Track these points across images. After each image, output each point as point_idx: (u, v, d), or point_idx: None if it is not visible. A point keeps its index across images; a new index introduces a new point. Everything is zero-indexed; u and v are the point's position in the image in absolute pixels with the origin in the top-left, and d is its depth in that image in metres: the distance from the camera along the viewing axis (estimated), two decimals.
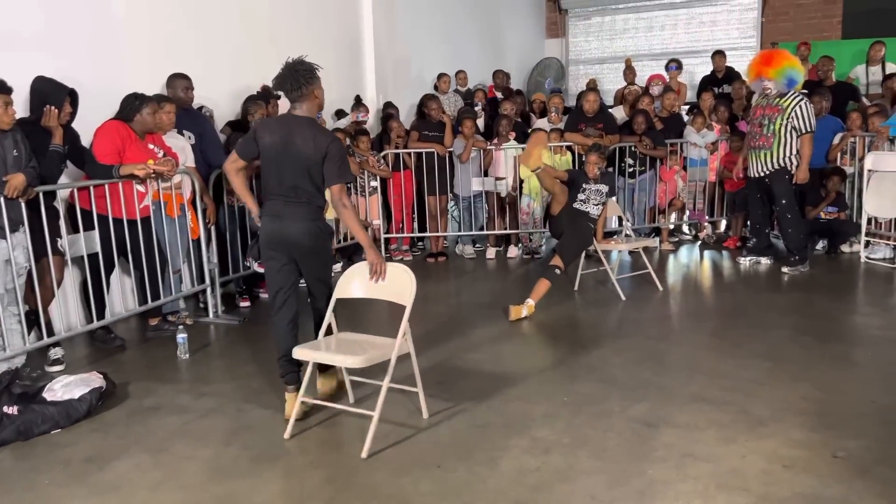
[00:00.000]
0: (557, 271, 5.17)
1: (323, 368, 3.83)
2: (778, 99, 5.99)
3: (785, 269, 6.21)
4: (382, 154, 7.18)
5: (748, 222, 7.51)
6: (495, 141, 7.29)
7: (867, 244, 6.54)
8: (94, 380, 3.77)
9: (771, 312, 5.13)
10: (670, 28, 12.01)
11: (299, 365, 3.56)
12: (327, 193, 3.53)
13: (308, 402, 3.54)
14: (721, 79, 8.73)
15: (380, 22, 8.31)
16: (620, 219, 6.58)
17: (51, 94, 4.24)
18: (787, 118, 5.94)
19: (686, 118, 7.77)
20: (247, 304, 5.70)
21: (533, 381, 3.93)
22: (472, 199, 7.42)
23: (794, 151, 6.03)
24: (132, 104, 4.52)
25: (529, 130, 7.55)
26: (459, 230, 7.63)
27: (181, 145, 5.13)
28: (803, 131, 5.97)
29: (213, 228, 5.40)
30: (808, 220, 6.94)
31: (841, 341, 4.47)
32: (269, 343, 4.74)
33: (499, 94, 9.13)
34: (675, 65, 9.09)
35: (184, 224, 5.07)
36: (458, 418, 3.49)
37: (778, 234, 7.37)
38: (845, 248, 6.84)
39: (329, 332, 3.54)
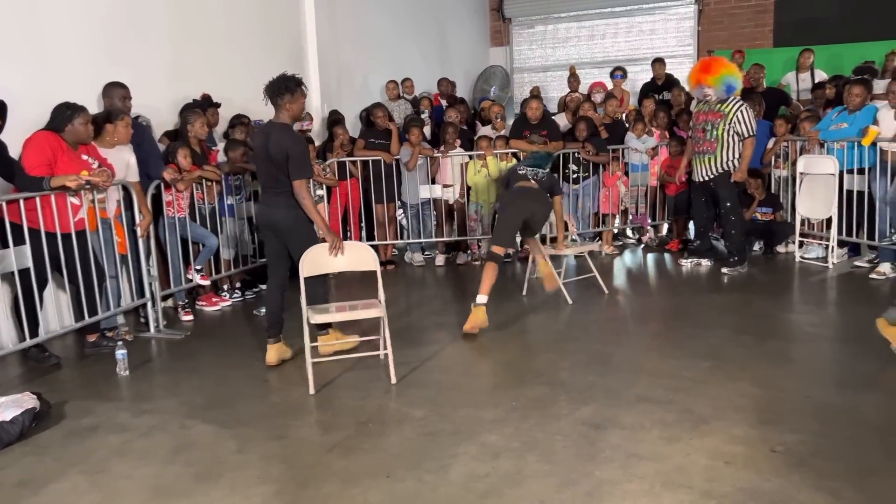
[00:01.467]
0: (500, 258, 5.15)
1: (321, 328, 4.49)
2: (719, 105, 6.18)
3: (725, 270, 6.39)
4: (328, 163, 7.12)
5: (689, 225, 7.73)
6: (442, 148, 7.31)
7: (801, 244, 6.77)
8: (27, 400, 3.62)
9: (711, 313, 5.27)
10: (611, 36, 12.25)
11: (280, 323, 4.47)
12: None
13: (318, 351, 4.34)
14: (661, 86, 8.96)
15: (323, 30, 8.25)
16: (565, 224, 6.66)
17: None
18: (730, 123, 6.13)
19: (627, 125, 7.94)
20: (189, 317, 5.57)
21: (482, 387, 3.95)
22: (419, 206, 7.42)
23: (737, 155, 6.24)
24: (63, 114, 4.37)
25: (476, 137, 7.62)
26: (408, 238, 7.62)
27: (125, 158, 4.98)
28: (746, 135, 6.18)
29: (152, 241, 5.26)
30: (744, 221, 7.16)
31: (778, 339, 4.61)
32: (213, 357, 4.69)
33: (444, 102, 9.16)
34: (620, 73, 9.28)
35: (109, 239, 4.90)
36: (407, 426, 3.47)
37: (718, 236, 7.60)
38: (781, 248, 7.08)
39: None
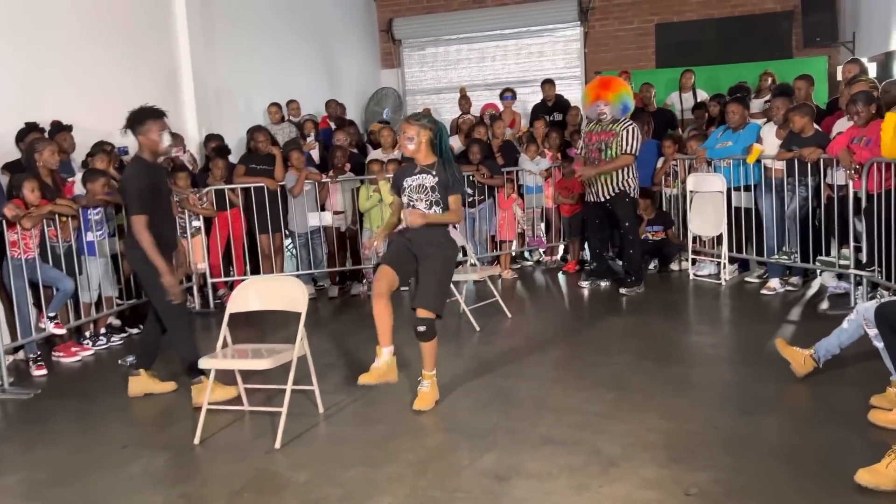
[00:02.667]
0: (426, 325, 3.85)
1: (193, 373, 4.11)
2: (612, 125, 6.13)
3: (623, 291, 6.31)
4: (205, 191, 6.57)
5: (585, 246, 7.67)
6: (331, 173, 6.93)
7: (694, 262, 6.82)
8: None
9: (612, 337, 5.13)
10: (501, 58, 12.27)
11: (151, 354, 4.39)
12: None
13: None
14: (552, 106, 8.95)
15: (198, 51, 7.71)
16: (464, 248, 6.42)
17: None
18: (619, 140, 6.09)
19: (518, 146, 7.83)
20: (42, 372, 4.89)
21: (375, 439, 3.57)
22: (308, 235, 6.98)
23: (632, 174, 6.19)
24: None
25: (367, 161, 7.27)
26: (297, 269, 7.15)
27: None
28: (623, 151, 6.11)
29: None
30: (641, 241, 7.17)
31: (679, 363, 4.50)
32: (67, 419, 4.08)
33: (332, 125, 8.78)
34: (510, 94, 9.19)
35: None
36: (288, 494, 3.05)
37: (613, 255, 7.58)
38: (674, 266, 7.12)
39: (224, 344, 3.79)
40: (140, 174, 4.01)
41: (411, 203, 3.85)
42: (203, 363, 3.62)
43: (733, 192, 6.39)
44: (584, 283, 6.60)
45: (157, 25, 7.35)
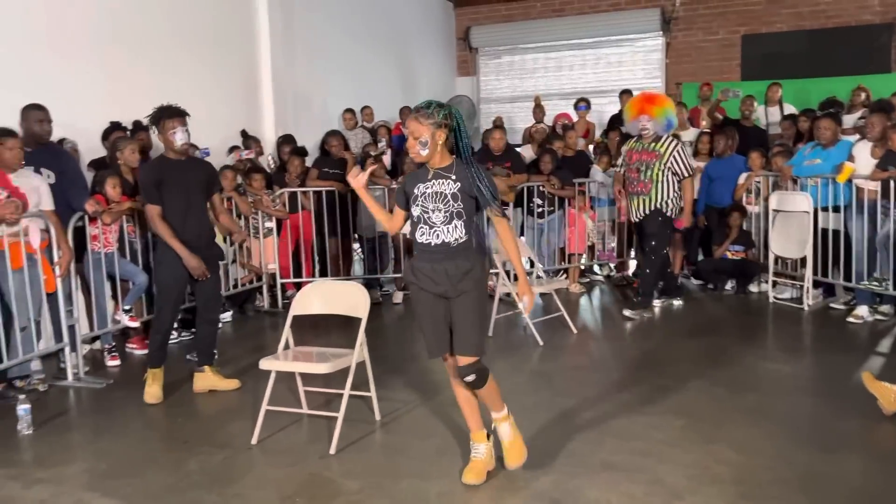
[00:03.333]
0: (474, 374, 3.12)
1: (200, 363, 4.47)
2: (654, 144, 5.84)
3: (627, 313, 6.02)
4: (278, 193, 6.69)
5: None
6: (400, 179, 6.92)
7: (774, 284, 6.49)
8: None
9: (683, 360, 4.91)
10: (579, 68, 12.09)
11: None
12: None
13: None
14: None
15: (278, 56, 7.88)
16: (531, 260, 6.31)
17: None
18: (665, 164, 5.80)
19: (593, 157, 7.66)
20: (116, 363, 5.05)
21: (429, 452, 3.50)
22: (376, 240, 7.01)
23: (672, 195, 5.89)
24: None
25: None
26: (364, 273, 7.19)
27: (34, 185, 4.49)
28: (683, 176, 5.85)
29: (74, 279, 4.77)
30: (714, 259, 6.89)
31: (754, 391, 4.26)
32: (134, 411, 4.19)
33: (406, 131, 8.80)
34: (584, 104, 9.06)
35: (35, 276, 4.42)
36: (339, 501, 3.01)
37: (688, 273, 7.32)
38: (753, 287, 6.79)
39: (286, 346, 3.78)
40: (149, 169, 4.40)
41: (426, 214, 3.02)
42: (264, 364, 3.63)
43: (820, 213, 6.04)
44: (656, 302, 6.33)
45: (239, 29, 7.54)
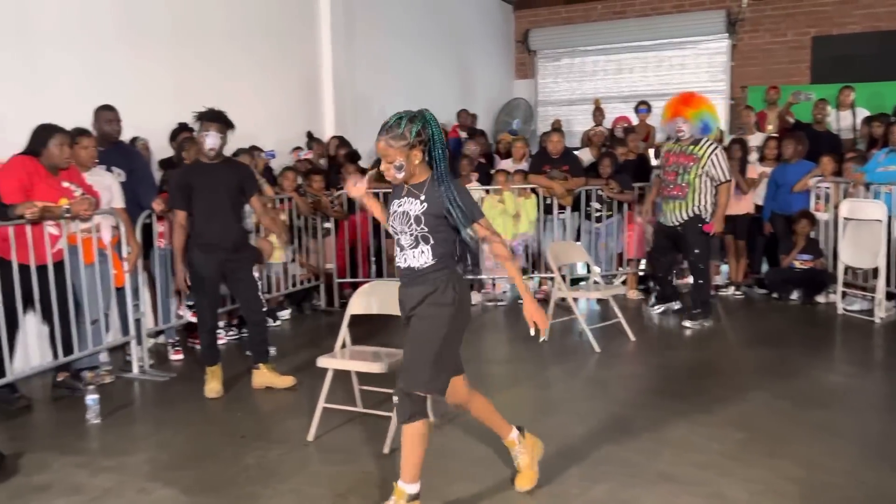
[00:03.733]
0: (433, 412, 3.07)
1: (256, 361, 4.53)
2: (692, 147, 5.68)
3: (687, 324, 5.87)
4: (337, 195, 6.78)
5: (721, 269, 7.25)
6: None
7: (844, 295, 6.23)
8: None
9: (744, 371, 4.76)
10: (640, 70, 11.89)
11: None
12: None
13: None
14: None
15: (339, 58, 8.00)
16: (588, 265, 6.22)
17: None
18: (703, 167, 5.63)
19: (654, 161, 7.51)
20: (179, 357, 5.20)
21: (482, 455, 3.48)
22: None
23: (709, 200, 5.72)
24: (40, 137, 4.07)
25: (493, 171, 7.24)
26: None
27: (107, 183, 4.68)
28: (721, 181, 5.68)
29: (141, 275, 4.93)
30: (781, 268, 6.67)
31: (821, 407, 4.09)
32: (195, 404, 4.30)
33: (463, 134, 8.82)
34: (644, 107, 8.91)
35: (105, 271, 4.59)
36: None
37: (751, 283, 7.12)
38: (821, 298, 6.54)
39: (343, 345, 3.82)
40: (179, 173, 4.53)
41: (396, 236, 2.83)
42: (321, 362, 3.67)
43: (894, 222, 5.78)
44: (655, 309, 6.11)
45: (301, 34, 7.68)
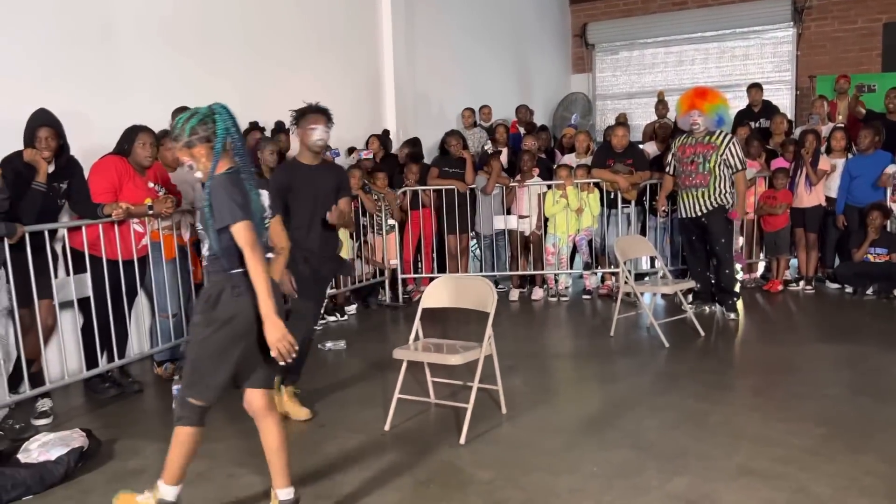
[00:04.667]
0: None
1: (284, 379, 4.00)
2: (708, 137, 5.72)
3: (732, 316, 5.87)
4: (401, 191, 6.89)
5: (790, 263, 7.10)
6: (518, 177, 6.96)
7: None
8: (76, 438, 3.45)
9: (821, 366, 4.66)
10: (701, 62, 11.70)
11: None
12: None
13: None
14: (757, 112, 8.33)
15: (400, 56, 8.11)
16: (653, 259, 6.17)
17: (26, 128, 3.95)
18: (721, 156, 5.68)
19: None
20: None
21: (558, 447, 3.51)
22: (493, 237, 7.08)
23: (729, 189, 5.75)
24: (128, 137, 4.26)
25: (555, 166, 7.24)
26: (481, 270, 7.28)
27: (190, 182, 4.86)
28: (737, 169, 5.71)
29: None
30: (853, 262, 6.48)
31: None
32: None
33: (522, 130, 8.82)
34: None
35: (185, 267, 4.78)
36: (471, 491, 3.09)
37: (823, 277, 6.96)
38: None
39: (416, 337, 3.91)
40: (279, 173, 4.07)
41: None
42: (397, 354, 3.76)
43: None
44: (689, 308, 5.76)
45: (363, 34, 7.81)
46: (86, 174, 4.29)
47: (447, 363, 3.69)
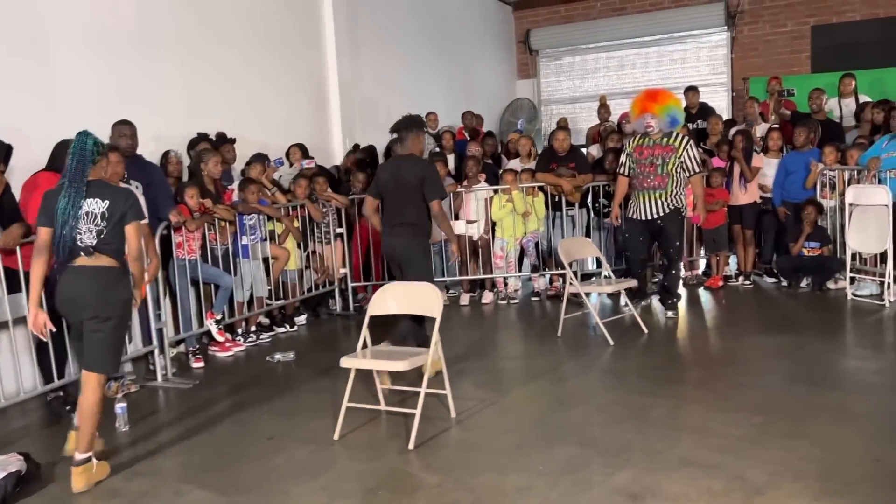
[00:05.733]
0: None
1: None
2: (665, 139, 5.76)
3: (671, 314, 5.98)
4: (348, 198, 6.87)
5: (730, 261, 7.32)
6: (465, 183, 7.02)
7: (852, 280, 6.29)
8: (12, 462, 3.35)
9: (759, 357, 4.83)
10: (641, 66, 11.96)
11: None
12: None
13: None
14: (695, 114, 8.58)
15: (345, 66, 8.10)
16: (598, 260, 6.29)
17: None
18: (679, 158, 5.71)
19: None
20: (200, 364, 5.29)
21: (506, 447, 3.56)
22: (443, 243, 7.11)
23: (684, 192, 5.85)
24: (60, 152, 4.17)
25: (500, 171, 7.32)
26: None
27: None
28: (694, 171, 5.77)
29: (161, 285, 5.03)
30: (790, 256, 6.73)
31: (836, 389, 4.16)
32: (220, 409, 4.39)
33: (468, 136, 8.90)
34: None
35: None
36: (420, 495, 3.11)
37: (760, 271, 7.19)
38: (831, 284, 6.60)
39: (364, 345, 3.92)
40: (432, 166, 5.01)
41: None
42: (344, 362, 3.76)
43: None
44: (633, 305, 5.86)
45: (307, 42, 7.77)
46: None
47: (393, 370, 3.71)
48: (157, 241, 4.92)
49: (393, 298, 4.01)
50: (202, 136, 5.64)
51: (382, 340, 4.36)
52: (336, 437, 3.75)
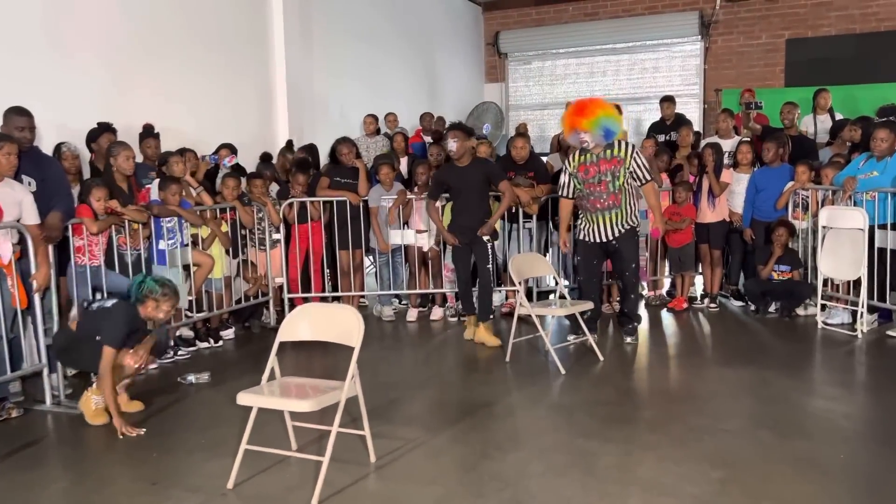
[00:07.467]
0: None
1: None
2: (608, 150, 5.21)
3: (629, 340, 5.51)
4: (287, 202, 6.31)
5: (696, 281, 6.91)
6: (415, 190, 6.51)
7: (823, 308, 5.90)
8: None
9: (720, 395, 4.38)
10: (612, 74, 11.61)
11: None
12: None
13: None
14: (669, 125, 8.17)
15: (294, 61, 7.58)
16: (556, 279, 5.81)
17: None
18: (629, 168, 5.19)
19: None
20: None
21: (429, 502, 3.05)
22: (390, 253, 6.59)
23: (637, 206, 5.40)
24: None
25: None
26: (378, 289, 6.78)
27: (17, 198, 4.13)
28: (645, 180, 5.25)
29: (53, 296, 4.42)
30: (759, 279, 6.32)
31: (803, 436, 3.71)
32: (109, 441, 3.81)
33: (427, 139, 8.40)
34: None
35: (5, 291, 4.09)
36: None
37: (727, 294, 6.81)
38: (800, 311, 6.20)
39: (272, 376, 3.40)
40: (438, 171, 5.90)
41: None
42: (241, 399, 3.20)
43: (877, 231, 5.46)
44: (592, 336, 5.27)
45: (253, 37, 7.28)
46: None
47: (296, 410, 3.17)
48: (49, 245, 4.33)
49: (307, 322, 3.47)
50: (104, 127, 5.05)
51: (298, 369, 3.82)
52: (230, 485, 3.20)
